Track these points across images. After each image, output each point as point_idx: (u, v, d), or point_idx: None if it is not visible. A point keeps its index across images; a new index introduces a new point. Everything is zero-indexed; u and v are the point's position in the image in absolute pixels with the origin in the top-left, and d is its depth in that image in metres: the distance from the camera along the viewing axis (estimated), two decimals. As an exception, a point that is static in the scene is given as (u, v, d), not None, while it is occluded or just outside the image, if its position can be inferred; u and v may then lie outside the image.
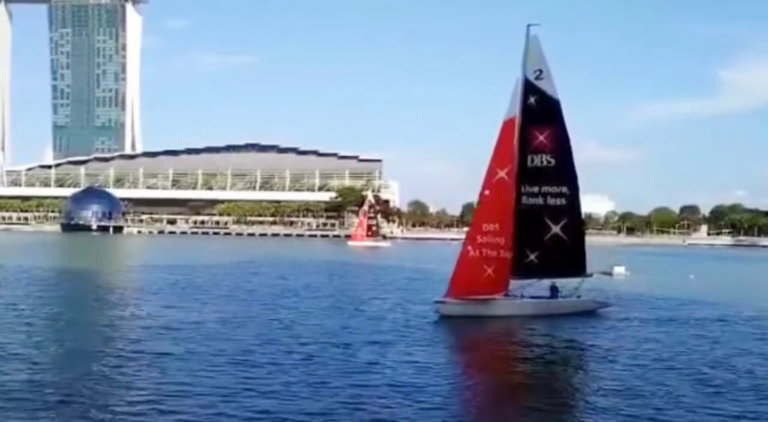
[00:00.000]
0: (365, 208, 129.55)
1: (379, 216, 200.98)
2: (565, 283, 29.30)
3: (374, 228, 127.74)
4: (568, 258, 28.92)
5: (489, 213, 27.97)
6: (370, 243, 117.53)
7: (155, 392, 14.67)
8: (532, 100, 28.28)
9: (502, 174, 27.72)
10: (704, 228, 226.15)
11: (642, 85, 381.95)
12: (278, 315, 27.24)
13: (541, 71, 28.28)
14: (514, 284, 28.30)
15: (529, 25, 28.52)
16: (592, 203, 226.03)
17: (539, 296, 28.98)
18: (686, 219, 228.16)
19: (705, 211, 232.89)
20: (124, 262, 68.45)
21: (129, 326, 23.83)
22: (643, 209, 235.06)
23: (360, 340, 21.79)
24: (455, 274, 27.54)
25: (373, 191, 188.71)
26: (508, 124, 27.94)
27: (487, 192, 28.04)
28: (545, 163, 28.51)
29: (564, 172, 28.92)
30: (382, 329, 24.40)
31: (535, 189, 28.55)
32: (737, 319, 29.28)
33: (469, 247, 27.69)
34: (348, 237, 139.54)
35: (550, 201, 28.68)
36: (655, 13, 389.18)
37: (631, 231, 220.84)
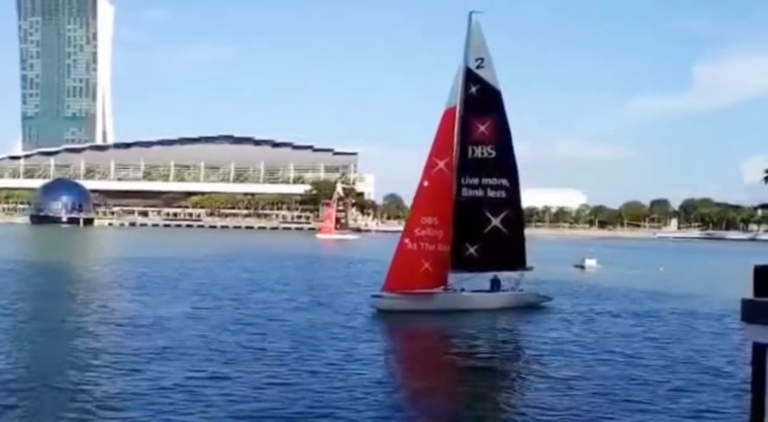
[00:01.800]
0: (334, 200, 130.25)
1: (354, 209, 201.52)
2: (507, 277, 28.90)
3: (342, 221, 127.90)
4: (509, 251, 28.43)
5: (427, 206, 27.42)
6: (338, 236, 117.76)
7: (109, 390, 14.32)
8: (473, 89, 27.66)
9: (441, 165, 27.21)
10: (674, 221, 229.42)
11: (616, 82, 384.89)
12: (226, 309, 26.70)
13: (482, 60, 27.64)
14: (455, 278, 27.80)
15: (471, 12, 27.81)
16: (565, 197, 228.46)
17: (480, 290, 28.51)
18: (657, 212, 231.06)
19: (675, 205, 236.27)
20: (94, 255, 67.64)
21: (93, 321, 23.24)
22: (614, 203, 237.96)
23: (287, 336, 21.02)
24: (392, 268, 26.99)
25: (343, 183, 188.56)
26: (448, 114, 27.36)
27: (426, 183, 27.48)
28: (485, 154, 27.98)
29: (504, 164, 28.40)
30: (315, 323, 23.66)
31: (476, 181, 27.98)
32: (695, 312, 29.33)
33: (407, 240, 27.10)
34: (314, 229, 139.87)
35: (491, 193, 28.19)
36: (629, 7, 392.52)
37: (603, 224, 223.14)
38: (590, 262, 57.41)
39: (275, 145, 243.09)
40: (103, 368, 16.37)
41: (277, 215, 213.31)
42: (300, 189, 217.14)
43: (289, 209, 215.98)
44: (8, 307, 26.16)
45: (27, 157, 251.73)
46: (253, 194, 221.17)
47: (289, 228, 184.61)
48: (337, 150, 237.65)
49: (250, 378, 15.54)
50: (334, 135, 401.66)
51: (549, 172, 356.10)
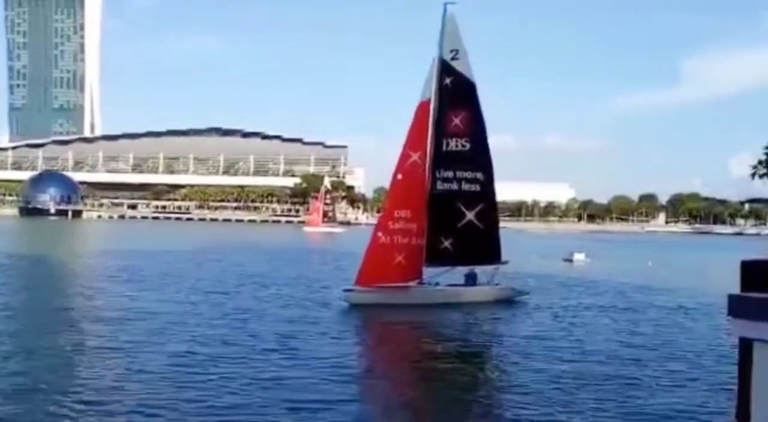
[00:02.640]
0: (321, 194, 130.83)
1: (344, 202, 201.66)
2: (483, 270, 28.63)
3: (330, 214, 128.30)
4: (483, 245, 28.09)
5: (401, 199, 27.13)
6: (325, 228, 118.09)
7: (92, 386, 14.22)
8: (447, 81, 27.30)
9: (414, 157, 26.91)
10: (662, 216, 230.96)
11: (603, 76, 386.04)
12: (205, 304, 26.33)
13: (457, 51, 27.31)
14: (430, 272, 27.45)
15: (445, 3, 27.45)
16: (554, 191, 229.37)
17: (455, 284, 28.09)
18: (645, 207, 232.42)
19: (663, 199, 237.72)
20: (83, 248, 67.37)
21: (78, 315, 23.12)
22: (603, 197, 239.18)
23: (254, 332, 20.54)
24: (364, 262, 26.60)
25: (333, 177, 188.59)
26: (422, 106, 27.03)
27: (399, 176, 27.16)
28: (460, 147, 27.62)
29: (479, 157, 28.09)
30: (287, 318, 23.27)
31: (450, 174, 27.63)
32: (682, 306, 29.17)
33: (380, 233, 26.76)
34: (304, 222, 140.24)
35: (465, 186, 27.79)
36: (616, 2, 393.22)
37: (591, 218, 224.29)
38: (579, 256, 57.69)
39: (265, 137, 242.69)
40: (85, 361, 16.34)
41: (266, 208, 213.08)
42: (290, 182, 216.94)
43: (278, 202, 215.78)
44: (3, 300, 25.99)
45: (14, 148, 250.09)
46: (242, 187, 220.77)
47: (278, 222, 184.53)
48: (328, 143, 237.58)
49: (212, 375, 15.18)
50: (325, 128, 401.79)
51: (537, 164, 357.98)
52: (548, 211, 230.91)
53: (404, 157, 26.99)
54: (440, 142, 27.47)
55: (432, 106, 27.19)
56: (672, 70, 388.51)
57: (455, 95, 27.41)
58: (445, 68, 27.29)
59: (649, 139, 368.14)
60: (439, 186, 27.53)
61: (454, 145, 27.57)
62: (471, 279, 28.25)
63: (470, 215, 27.81)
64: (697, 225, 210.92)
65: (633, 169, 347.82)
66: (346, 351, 18.70)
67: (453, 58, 27.27)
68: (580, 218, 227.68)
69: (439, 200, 27.42)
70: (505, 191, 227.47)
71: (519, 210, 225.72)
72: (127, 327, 20.82)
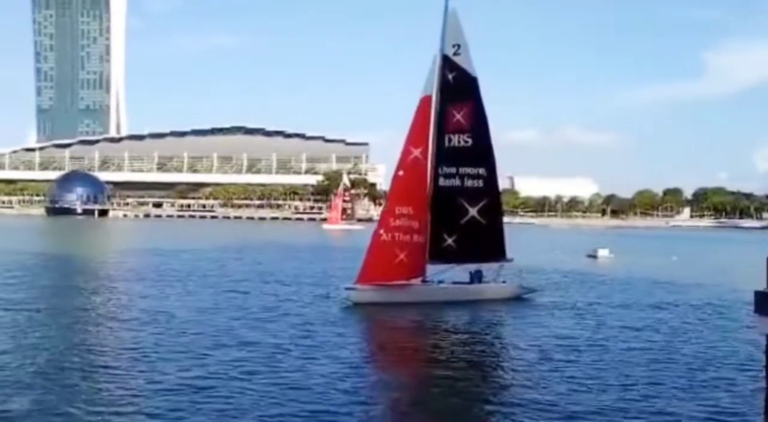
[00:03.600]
0: (340, 191, 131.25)
1: (366, 199, 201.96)
2: (489, 268, 28.05)
3: (349, 211, 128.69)
4: (487, 241, 27.64)
5: (402, 196, 26.74)
6: (344, 226, 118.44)
7: (111, 385, 14.47)
8: (449, 76, 26.91)
9: (416, 153, 26.56)
10: (687, 210, 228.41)
11: (627, 69, 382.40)
12: (222, 302, 26.50)
13: (458, 46, 26.90)
14: (433, 269, 27.08)
15: None
16: (577, 186, 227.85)
17: (459, 281, 27.67)
18: (669, 201, 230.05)
19: (688, 193, 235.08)
20: (109, 247, 68.09)
21: (100, 316, 23.39)
22: (626, 192, 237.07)
23: (262, 330, 20.51)
24: (366, 259, 26.20)
25: (354, 174, 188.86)
26: (424, 102, 26.67)
27: (401, 172, 26.84)
28: (462, 143, 27.24)
29: (481, 152, 27.63)
30: (288, 317, 23.01)
31: (452, 170, 27.21)
32: (706, 303, 28.52)
33: (381, 231, 26.32)
34: (324, 220, 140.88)
35: (468, 182, 27.36)
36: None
37: (615, 213, 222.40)
38: (603, 252, 57.45)
39: (287, 135, 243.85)
40: (102, 360, 16.58)
41: (289, 206, 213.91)
42: (312, 179, 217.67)
43: (301, 200, 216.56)
44: (25, 299, 26.50)
45: (42, 149, 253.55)
46: (265, 185, 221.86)
47: (301, 219, 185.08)
48: (349, 140, 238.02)
49: (228, 376, 15.21)
50: (346, 125, 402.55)
51: (560, 159, 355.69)
52: (571, 206, 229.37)
53: (406, 153, 26.67)
54: (442, 137, 27.18)
55: (434, 101, 26.90)
56: (696, 62, 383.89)
57: (457, 90, 27.06)
58: (447, 63, 26.95)
59: (673, 133, 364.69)
60: (442, 182, 27.24)
61: (456, 140, 27.25)
62: (477, 277, 27.85)
63: (473, 211, 27.46)
64: (723, 220, 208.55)
65: (657, 163, 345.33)
66: (347, 351, 18.24)
67: (455, 53, 26.92)
68: (603, 213, 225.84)
69: (442, 196, 27.13)
70: (528, 187, 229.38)
71: (542, 206, 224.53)
72: (147, 327, 20.85)
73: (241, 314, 23.55)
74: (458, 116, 27.18)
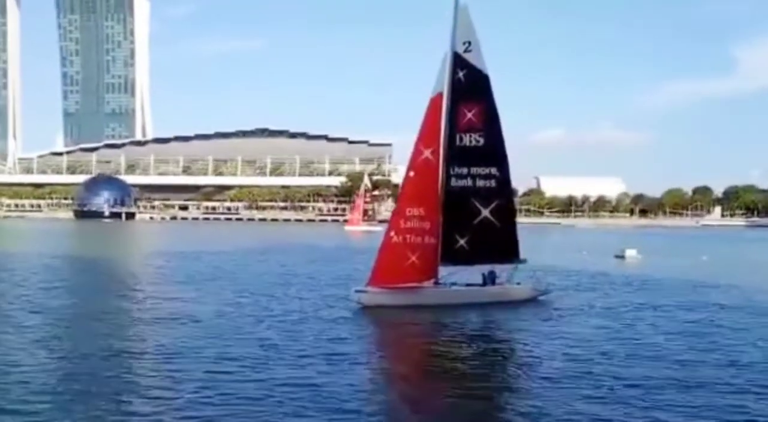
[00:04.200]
0: (361, 192, 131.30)
1: (390, 200, 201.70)
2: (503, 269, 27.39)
3: (370, 212, 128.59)
4: (500, 242, 27.02)
5: (413, 197, 26.18)
6: (365, 227, 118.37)
7: (137, 387, 14.56)
8: (460, 74, 26.29)
9: (427, 153, 25.96)
10: (718, 209, 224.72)
11: (654, 67, 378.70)
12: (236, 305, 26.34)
13: (469, 43, 26.25)
14: (446, 271, 26.51)
15: None
16: (604, 185, 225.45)
17: (473, 284, 27.02)
18: (699, 200, 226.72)
19: (718, 192, 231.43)
20: (135, 250, 68.68)
21: (127, 318, 23.47)
22: (655, 191, 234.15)
23: (272, 334, 20.33)
24: (377, 262, 25.80)
25: (377, 175, 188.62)
26: (434, 101, 26.02)
27: (411, 173, 26.35)
28: (474, 142, 26.61)
29: (493, 152, 26.96)
30: (297, 319, 22.87)
31: (464, 170, 26.64)
32: (736, 305, 27.53)
33: (392, 233, 25.86)
34: (346, 221, 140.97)
35: (480, 183, 26.78)
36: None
37: (643, 213, 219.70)
38: (630, 252, 56.46)
39: (310, 137, 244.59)
40: (128, 363, 16.63)
41: (313, 207, 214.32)
42: (335, 181, 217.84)
43: (324, 201, 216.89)
44: (55, 303, 26.62)
45: (69, 153, 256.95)
46: (289, 187, 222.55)
47: (325, 221, 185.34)
48: (372, 141, 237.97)
49: (236, 380, 15.17)
50: (369, 126, 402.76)
51: (587, 159, 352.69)
52: (598, 205, 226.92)
53: (416, 153, 26.13)
54: (453, 137, 26.53)
55: (445, 100, 26.25)
56: (725, 58, 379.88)
57: (468, 88, 26.38)
58: (457, 61, 26.29)
59: (702, 130, 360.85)
60: (453, 182, 26.62)
61: (467, 140, 26.60)
62: (490, 278, 27.20)
63: (486, 212, 26.87)
64: (755, 219, 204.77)
65: (686, 162, 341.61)
66: (356, 356, 17.91)
67: (466, 51, 26.26)
68: (631, 213, 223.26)
69: (454, 197, 26.55)
70: (554, 187, 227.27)
71: (568, 206, 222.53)
72: (170, 330, 20.96)
73: (262, 316, 23.42)
74: (470, 115, 26.53)
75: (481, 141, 26.68)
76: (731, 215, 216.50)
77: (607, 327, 22.23)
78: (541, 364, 17.01)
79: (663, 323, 23.21)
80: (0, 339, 19.21)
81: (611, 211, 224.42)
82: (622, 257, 55.44)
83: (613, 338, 20.35)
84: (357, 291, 25.95)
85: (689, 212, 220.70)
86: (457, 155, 26.54)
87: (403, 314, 24.46)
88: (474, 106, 26.57)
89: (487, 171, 26.84)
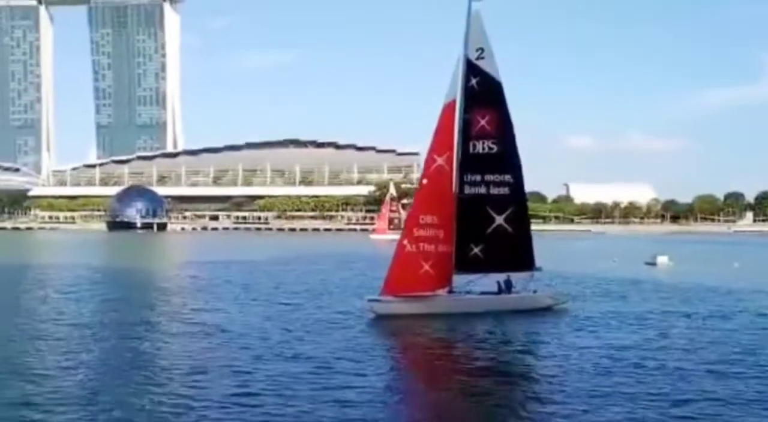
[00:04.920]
0: (387, 201, 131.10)
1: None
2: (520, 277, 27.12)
3: (396, 221, 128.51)
4: (515, 250, 26.82)
5: (426, 205, 26.09)
6: (390, 236, 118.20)
7: (161, 398, 14.84)
8: (473, 81, 26.23)
9: (440, 161, 25.88)
10: (749, 215, 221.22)
11: (684, 74, 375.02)
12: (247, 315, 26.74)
13: (482, 50, 26.20)
14: (460, 280, 26.32)
15: (470, 1, 26.29)
16: (634, 192, 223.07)
17: (488, 292, 26.87)
18: (731, 206, 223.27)
19: (750, 197, 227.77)
20: (168, 260, 69.63)
21: (156, 329, 23.83)
22: (685, 197, 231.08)
23: (284, 343, 20.53)
24: (390, 270, 25.60)
25: (403, 184, 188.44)
26: (447, 108, 25.97)
27: (425, 181, 26.36)
28: (487, 149, 26.51)
29: (507, 159, 26.88)
30: (310, 330, 22.89)
31: (478, 177, 26.52)
32: (759, 313, 26.99)
33: (405, 241, 25.79)
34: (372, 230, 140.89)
35: (493, 190, 26.66)
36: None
37: (674, 219, 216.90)
38: (662, 259, 56.07)
39: (338, 147, 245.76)
40: (153, 374, 16.99)
41: (342, 216, 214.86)
42: (364, 190, 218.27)
43: (353, 210, 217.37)
44: (89, 313, 27.31)
45: (102, 165, 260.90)
46: (318, 196, 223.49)
47: (354, 230, 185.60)
48: (400, 150, 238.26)
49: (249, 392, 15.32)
50: (397, 135, 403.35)
51: (617, 165, 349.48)
52: (628, 212, 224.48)
53: (429, 161, 26.15)
54: (467, 144, 26.52)
55: (458, 107, 26.26)
56: (754, 64, 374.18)
57: (481, 96, 26.38)
58: (470, 68, 26.27)
59: (732, 137, 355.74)
60: (467, 190, 26.55)
61: (481, 147, 26.56)
62: (506, 287, 27.06)
63: (500, 219, 26.71)
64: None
65: (717, 168, 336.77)
66: (368, 366, 17.71)
67: (478, 58, 26.25)
68: (662, 219, 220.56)
69: (467, 205, 26.43)
70: (584, 193, 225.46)
71: (598, 212, 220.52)
72: (195, 341, 21.24)
73: (280, 327, 23.52)
74: (483, 122, 26.50)
75: (495, 148, 26.65)
76: (763, 221, 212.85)
77: (630, 336, 21.90)
78: (560, 375, 16.81)
79: (695, 332, 22.78)
80: (31, 351, 19.62)
81: (642, 218, 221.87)
82: (653, 264, 55.08)
83: (632, 347, 20.00)
84: (370, 301, 25.87)
85: (721, 218, 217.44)
86: (470, 162, 26.50)
87: (416, 323, 24.26)
88: (487, 113, 26.54)
89: (500, 178, 26.78)
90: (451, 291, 26.25)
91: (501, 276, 26.99)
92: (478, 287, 26.87)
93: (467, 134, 26.50)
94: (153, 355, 19.35)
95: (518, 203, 27.34)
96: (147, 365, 17.96)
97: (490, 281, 27.21)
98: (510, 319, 25.21)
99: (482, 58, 26.25)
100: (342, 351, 19.33)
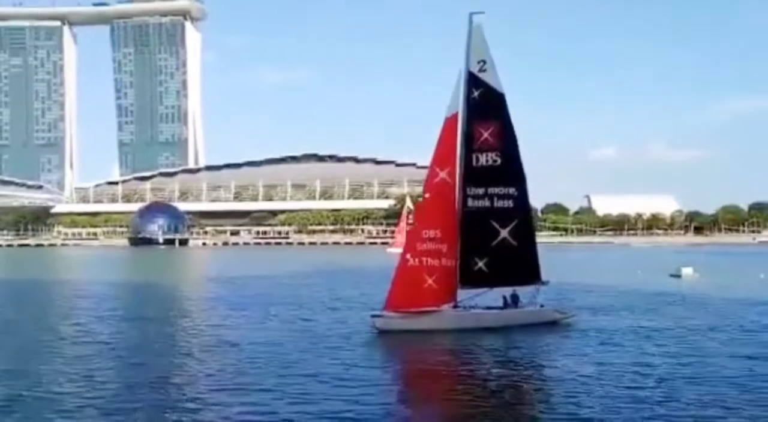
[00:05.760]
0: (404, 215, 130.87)
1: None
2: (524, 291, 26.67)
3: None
4: (520, 264, 26.39)
5: (429, 218, 25.85)
6: None
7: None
8: (476, 94, 26.01)
9: (443, 175, 25.65)
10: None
11: (705, 83, 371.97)
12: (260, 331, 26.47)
13: (484, 62, 26.01)
14: (465, 294, 25.84)
15: (471, 14, 26.16)
16: (657, 203, 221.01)
17: (493, 306, 26.37)
18: (756, 216, 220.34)
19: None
20: (188, 276, 69.87)
21: (176, 345, 23.87)
22: (709, 208, 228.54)
23: (287, 359, 20.32)
24: (393, 285, 25.25)
25: (416, 198, 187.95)
26: (450, 121, 25.78)
27: (427, 195, 26.30)
28: (491, 162, 26.18)
29: (511, 171, 26.48)
30: (313, 346, 22.58)
31: (481, 190, 26.14)
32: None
33: (408, 256, 25.43)
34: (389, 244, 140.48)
35: (498, 203, 26.23)
36: (714, 5, 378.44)
37: (698, 230, 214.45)
38: (686, 271, 55.16)
39: (358, 161, 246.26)
40: (166, 393, 16.99)
41: (362, 230, 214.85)
42: (384, 204, 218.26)
43: (373, 224, 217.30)
44: (107, 330, 27.38)
45: (124, 181, 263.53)
46: (338, 210, 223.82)
47: (375, 243, 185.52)
48: (420, 164, 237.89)
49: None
50: (417, 149, 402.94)
51: (640, 177, 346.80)
52: (652, 223, 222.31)
53: (432, 174, 25.96)
54: (470, 157, 26.19)
55: (460, 119, 26.04)
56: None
57: (484, 108, 26.12)
58: (473, 80, 26.08)
59: (756, 146, 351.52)
60: (471, 203, 26.14)
61: (484, 159, 26.22)
62: (513, 301, 26.63)
63: (504, 233, 26.26)
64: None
65: (741, 178, 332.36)
66: (370, 384, 17.34)
67: (480, 70, 26.05)
68: (686, 230, 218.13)
69: (471, 218, 26.05)
70: (606, 205, 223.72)
71: (621, 224, 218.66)
72: (211, 357, 21.16)
73: (291, 343, 23.30)
74: (486, 134, 26.14)
75: (498, 160, 26.27)
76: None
77: (643, 352, 21.25)
78: (563, 392, 16.33)
79: (720, 346, 22.15)
80: (50, 367, 19.66)
81: (665, 229, 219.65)
82: (678, 276, 54.24)
83: (647, 364, 19.24)
84: (373, 316, 25.57)
85: (745, 229, 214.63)
86: (473, 175, 26.14)
87: (420, 339, 23.88)
88: (490, 125, 26.23)
89: (504, 191, 26.36)
90: (455, 306, 25.84)
91: (507, 291, 26.61)
92: (483, 302, 26.39)
93: (470, 147, 26.21)
94: (164, 371, 19.25)
95: (523, 216, 26.91)
96: (159, 383, 17.88)
97: (496, 295, 26.67)
98: (516, 334, 24.69)
99: (484, 70, 26.06)
100: (336, 369, 18.89)
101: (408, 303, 24.87)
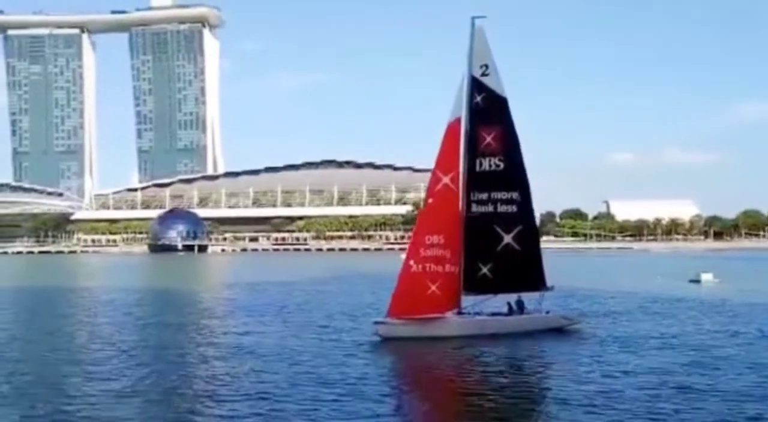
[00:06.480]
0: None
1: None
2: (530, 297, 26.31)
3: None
4: (524, 270, 26.12)
5: (432, 224, 25.53)
6: None
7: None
8: (478, 98, 25.87)
9: (446, 180, 25.47)
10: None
11: (721, 87, 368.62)
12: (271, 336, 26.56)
13: (487, 66, 25.87)
14: (470, 301, 25.68)
15: (473, 18, 25.97)
16: (676, 208, 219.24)
17: (498, 313, 26.10)
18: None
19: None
20: (206, 282, 70.24)
21: (191, 352, 23.97)
22: (729, 212, 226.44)
23: (288, 368, 20.12)
24: (396, 292, 25.08)
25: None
26: (452, 126, 25.64)
27: (430, 200, 26.10)
28: (494, 166, 26.00)
29: (514, 176, 26.24)
30: (314, 354, 22.36)
31: (485, 195, 25.93)
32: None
33: (411, 262, 25.16)
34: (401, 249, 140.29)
35: (501, 208, 26.01)
36: (728, 9, 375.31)
37: (718, 235, 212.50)
38: (706, 276, 54.69)
39: (376, 167, 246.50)
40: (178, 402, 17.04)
41: (380, 236, 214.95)
42: (402, 209, 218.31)
43: (391, 230, 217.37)
44: (126, 337, 27.60)
45: (143, 188, 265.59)
46: (356, 216, 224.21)
47: (392, 249, 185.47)
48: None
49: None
50: (434, 155, 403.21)
51: (658, 182, 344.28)
52: (671, 229, 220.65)
53: (434, 180, 25.76)
54: (473, 162, 26.04)
55: (463, 124, 25.94)
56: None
57: (487, 112, 25.98)
58: (475, 85, 25.95)
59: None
60: (474, 208, 25.95)
61: (487, 164, 26.06)
62: (518, 307, 26.36)
63: (508, 238, 26.06)
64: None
65: (760, 182, 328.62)
66: (372, 393, 17.07)
67: (483, 74, 25.93)
68: (705, 235, 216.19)
69: (475, 223, 25.82)
70: (624, 210, 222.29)
71: (640, 230, 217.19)
72: (223, 365, 21.21)
73: (296, 350, 23.18)
74: (489, 138, 25.99)
75: (501, 165, 26.10)
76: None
77: (655, 359, 20.88)
78: (568, 400, 16.11)
79: (741, 353, 21.81)
80: (72, 374, 19.94)
81: (684, 234, 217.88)
82: (697, 281, 53.83)
83: (664, 371, 18.93)
84: (376, 323, 25.44)
85: (766, 233, 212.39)
86: (477, 180, 25.99)
87: (424, 346, 23.63)
88: (493, 129, 26.08)
89: (508, 195, 26.17)
90: (460, 313, 25.68)
91: (512, 297, 26.40)
92: (488, 308, 26.19)
93: (473, 151, 26.07)
94: (177, 379, 19.35)
95: (527, 221, 26.71)
96: (176, 389, 18.05)
97: (500, 302, 26.46)
98: (522, 341, 24.46)
99: (487, 74, 25.94)
100: (335, 377, 18.80)
101: (411, 309, 24.65)
